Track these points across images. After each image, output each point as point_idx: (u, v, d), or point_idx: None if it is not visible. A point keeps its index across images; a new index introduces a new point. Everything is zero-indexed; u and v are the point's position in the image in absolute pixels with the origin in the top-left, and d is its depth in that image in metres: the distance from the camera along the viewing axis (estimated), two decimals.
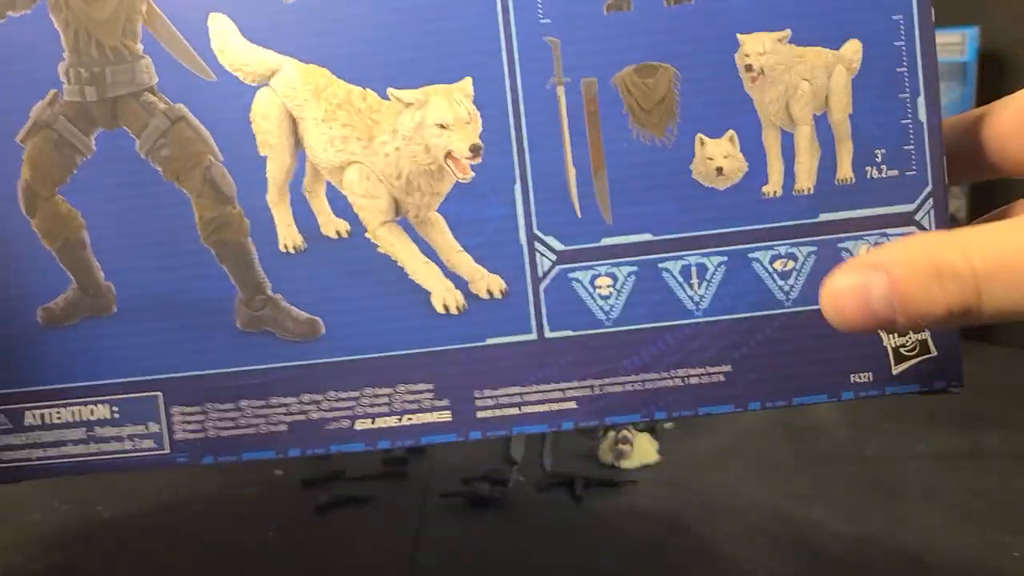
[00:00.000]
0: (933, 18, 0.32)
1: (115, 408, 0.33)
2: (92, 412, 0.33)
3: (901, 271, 0.26)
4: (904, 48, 0.32)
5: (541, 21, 0.32)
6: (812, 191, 0.32)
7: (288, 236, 0.33)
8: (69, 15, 0.32)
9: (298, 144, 0.33)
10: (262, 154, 0.32)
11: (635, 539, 0.47)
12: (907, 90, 0.32)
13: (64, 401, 0.34)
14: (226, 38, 0.32)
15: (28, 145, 0.33)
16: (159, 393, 0.33)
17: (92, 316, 0.33)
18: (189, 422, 0.33)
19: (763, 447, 0.58)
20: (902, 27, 0.31)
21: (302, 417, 0.33)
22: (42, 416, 0.34)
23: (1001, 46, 0.71)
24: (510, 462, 0.57)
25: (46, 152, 0.33)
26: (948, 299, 0.26)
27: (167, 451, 0.33)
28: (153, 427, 0.33)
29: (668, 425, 0.61)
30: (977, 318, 0.26)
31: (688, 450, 0.58)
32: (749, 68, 0.32)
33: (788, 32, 0.32)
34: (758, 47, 0.32)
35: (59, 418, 0.33)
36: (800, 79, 0.32)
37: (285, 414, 0.33)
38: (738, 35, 0.32)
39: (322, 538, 0.48)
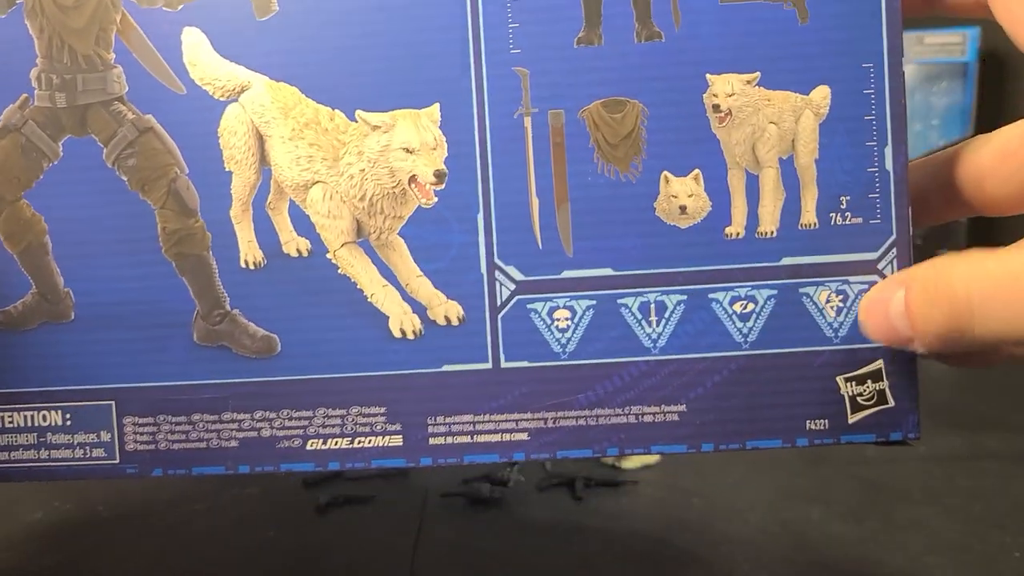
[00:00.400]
0: (903, 68, 0.32)
1: (67, 415, 0.33)
2: (44, 418, 0.33)
3: (914, 288, 0.28)
4: (873, 96, 0.32)
5: (511, 51, 0.32)
6: (775, 234, 0.32)
7: (249, 252, 0.33)
8: (44, 21, 0.33)
9: (264, 161, 0.33)
10: (228, 169, 0.33)
11: (635, 539, 0.47)
12: (874, 138, 0.32)
13: (16, 405, 0.33)
14: (198, 52, 0.32)
15: None
16: (112, 402, 0.33)
17: (50, 322, 0.33)
18: (140, 433, 0.33)
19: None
20: (872, 75, 0.31)
21: (254, 434, 0.33)
22: None
23: (1001, 46, 0.71)
24: (510, 462, 0.57)
25: (13, 156, 0.33)
26: (945, 320, 0.27)
27: (117, 461, 0.33)
28: (105, 436, 0.33)
29: None
30: (971, 341, 0.27)
31: None
32: (717, 108, 0.32)
33: (757, 75, 0.32)
34: (727, 88, 0.32)
35: (10, 422, 0.33)
36: (768, 122, 0.32)
37: (237, 430, 0.33)
38: (707, 75, 0.32)
39: (322, 538, 0.48)
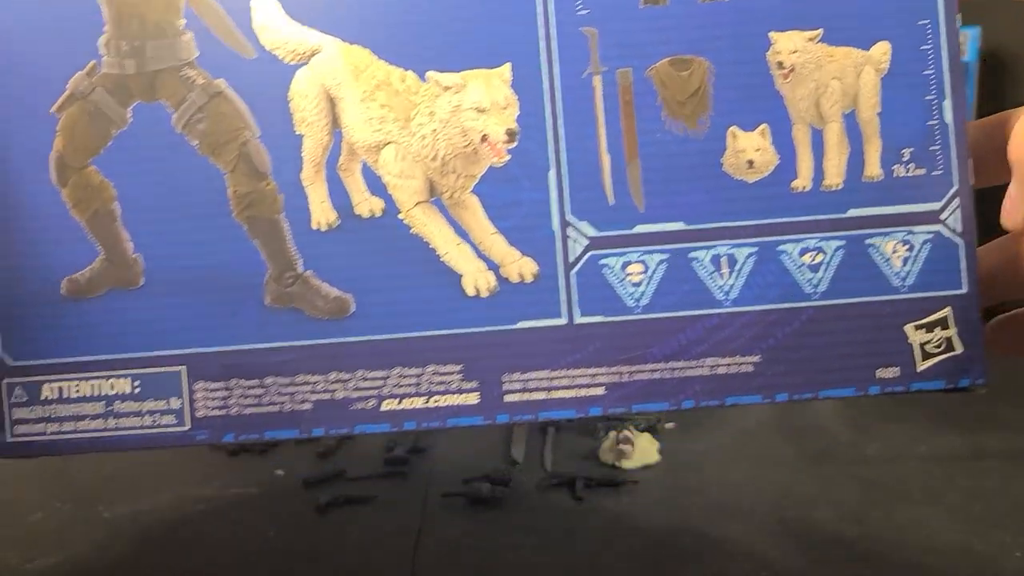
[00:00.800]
0: (959, 24, 0.33)
1: (136, 382, 0.33)
2: (112, 386, 0.33)
3: None
4: (931, 52, 0.32)
5: (579, 12, 0.32)
6: (841, 187, 0.33)
7: (322, 213, 0.33)
8: None
9: (335, 123, 0.33)
10: (299, 132, 0.33)
11: (635, 539, 0.46)
12: (933, 92, 0.32)
13: (84, 374, 0.33)
14: (268, 16, 0.32)
15: (63, 115, 0.33)
16: (182, 368, 0.33)
17: (118, 288, 0.33)
18: (212, 398, 0.33)
19: (763, 447, 0.58)
20: (929, 32, 0.32)
21: (328, 396, 0.33)
22: (60, 389, 0.33)
23: (1001, 46, 0.73)
24: (511, 462, 0.56)
25: (81, 123, 0.33)
26: None
27: (187, 427, 0.33)
28: (175, 403, 0.33)
29: (669, 425, 0.61)
30: None
31: (689, 450, 0.58)
32: (780, 65, 0.32)
33: (820, 32, 0.33)
34: (790, 45, 0.33)
35: (78, 391, 0.33)
36: (830, 78, 0.33)
37: (311, 392, 0.33)
38: (770, 33, 0.32)
39: (323, 538, 0.47)
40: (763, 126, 0.32)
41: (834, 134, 0.33)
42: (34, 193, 0.33)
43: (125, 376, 0.33)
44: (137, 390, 0.33)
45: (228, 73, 0.33)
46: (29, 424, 0.33)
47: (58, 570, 0.44)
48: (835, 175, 0.33)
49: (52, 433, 0.33)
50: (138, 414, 0.33)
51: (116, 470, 0.56)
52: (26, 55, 0.33)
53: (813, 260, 0.33)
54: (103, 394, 0.33)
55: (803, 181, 0.33)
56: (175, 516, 0.50)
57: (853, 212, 0.33)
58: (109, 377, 0.33)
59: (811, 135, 0.33)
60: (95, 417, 0.33)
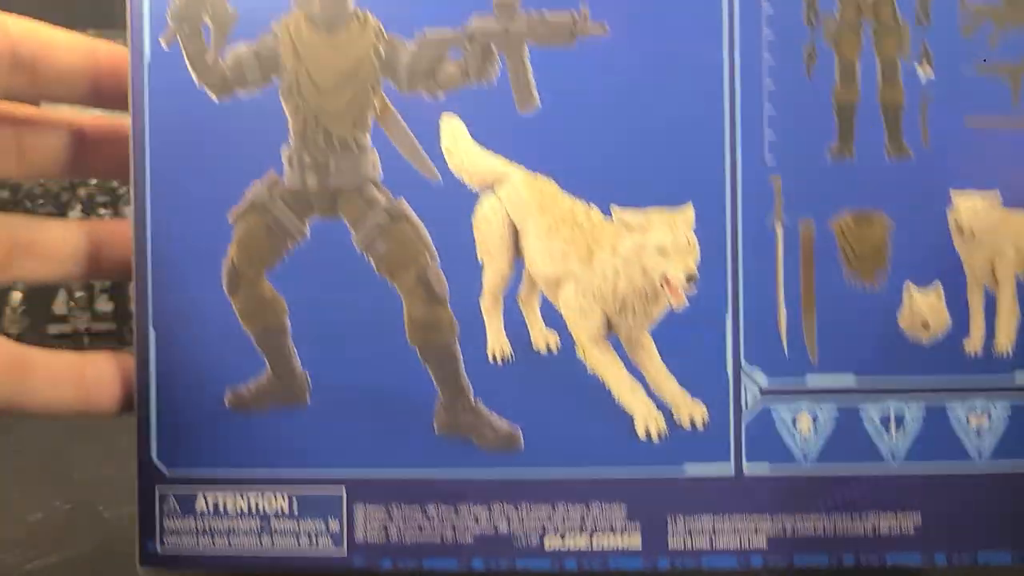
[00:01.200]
0: None
1: (294, 501, 0.32)
2: (270, 503, 0.32)
3: None
4: None
5: (766, 159, 0.33)
6: (1011, 353, 0.33)
7: (497, 344, 0.32)
8: (300, 101, 0.32)
9: (517, 253, 0.33)
10: (480, 260, 0.32)
11: None
12: None
13: (241, 488, 0.33)
14: (457, 140, 0.32)
15: (240, 224, 0.32)
16: (343, 489, 0.32)
17: (283, 404, 0.32)
18: (371, 522, 0.32)
19: None
20: None
21: (491, 529, 0.32)
22: (215, 502, 0.32)
23: None
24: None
25: (258, 234, 0.32)
26: None
27: (344, 552, 0.32)
28: (333, 525, 0.32)
29: None
30: None
31: None
32: (960, 226, 0.33)
33: (999, 195, 0.33)
34: (970, 207, 0.33)
35: (234, 507, 0.32)
36: (1007, 242, 0.33)
37: (474, 523, 0.32)
38: (952, 193, 0.33)
39: None
40: (938, 287, 0.33)
41: (1007, 298, 0.33)
42: (205, 300, 0.32)
43: (283, 494, 0.32)
44: (295, 509, 0.32)
45: (411, 195, 0.32)
46: (181, 536, 0.32)
47: (58, 570, 0.43)
48: (1006, 339, 0.33)
49: (204, 547, 0.32)
50: (294, 534, 0.32)
51: (116, 470, 0.55)
52: (209, 159, 0.32)
53: (979, 423, 0.33)
54: (259, 510, 0.32)
55: (975, 344, 0.33)
56: None
57: (1020, 378, 0.33)
58: (267, 493, 0.32)
59: (984, 298, 0.33)
60: (249, 534, 0.32)
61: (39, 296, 0.61)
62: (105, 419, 0.33)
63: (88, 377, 0.33)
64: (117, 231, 0.34)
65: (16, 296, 0.61)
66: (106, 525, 0.47)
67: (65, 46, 0.32)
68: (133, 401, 0.33)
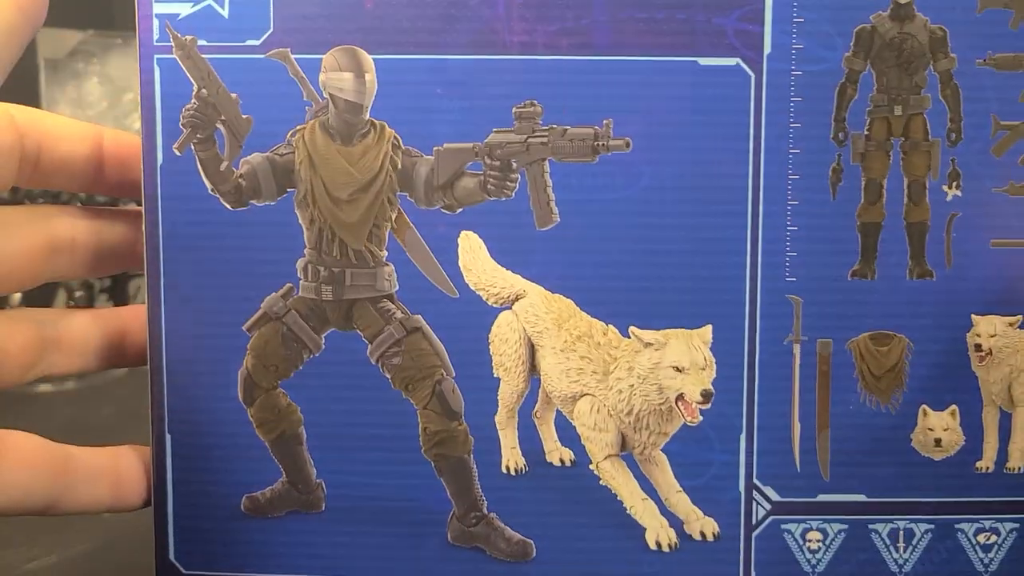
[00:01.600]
0: None
1: None
2: None
3: None
4: None
5: (787, 279, 0.32)
6: (1022, 470, 0.33)
7: (512, 458, 0.33)
8: (316, 213, 0.32)
9: (533, 369, 0.33)
10: (496, 375, 0.32)
11: None
12: None
13: None
14: (475, 257, 0.32)
15: (255, 335, 0.32)
16: None
17: (299, 511, 0.33)
18: None
19: None
20: None
21: None
22: None
23: None
24: None
25: (272, 344, 0.32)
26: None
27: None
28: None
29: None
30: None
31: None
32: (979, 348, 0.33)
33: (1020, 318, 0.33)
34: (990, 329, 0.33)
35: None
36: None
37: None
38: (972, 315, 0.32)
39: None
40: (953, 407, 0.33)
41: (1022, 418, 0.33)
42: (221, 408, 0.33)
43: None
44: None
45: (427, 309, 0.32)
46: None
47: (58, 570, 0.44)
48: (1019, 458, 0.33)
49: None
50: None
51: None
52: (224, 266, 0.32)
53: (987, 540, 0.33)
54: None
55: (987, 462, 0.33)
56: None
57: None
58: None
59: (999, 417, 0.33)
60: None
61: (38, 296, 0.61)
62: (132, 511, 0.34)
63: (121, 473, 0.33)
64: (140, 318, 0.34)
65: (15, 296, 0.61)
66: (106, 525, 0.48)
67: (69, 135, 0.32)
68: None
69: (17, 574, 0.43)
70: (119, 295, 0.71)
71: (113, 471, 0.33)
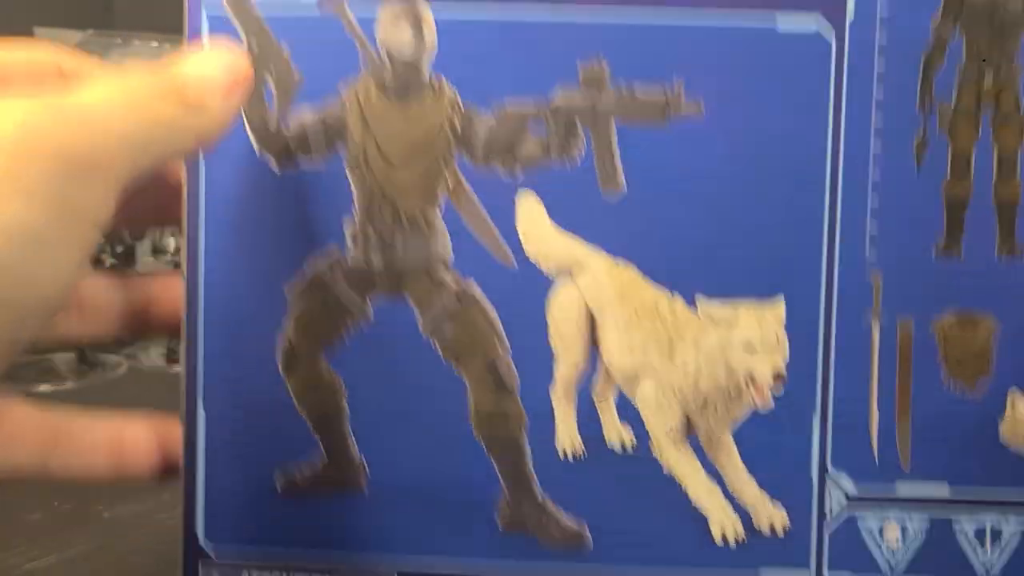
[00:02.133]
0: None
1: None
2: None
3: None
4: None
5: (867, 255, 0.30)
6: None
7: (568, 440, 0.31)
8: (367, 174, 0.30)
9: (593, 344, 0.31)
10: (553, 350, 0.31)
11: None
12: None
13: (289, 571, 0.31)
14: (534, 222, 0.30)
15: (298, 302, 0.30)
16: None
17: (338, 491, 0.31)
18: None
19: None
20: None
21: None
22: None
23: None
24: None
25: (317, 313, 0.31)
26: None
27: None
28: None
29: None
30: None
31: None
32: None
33: None
34: None
35: None
36: None
37: None
38: None
39: None
40: None
41: None
42: (259, 378, 0.31)
43: None
44: None
45: (484, 279, 0.30)
46: None
47: (58, 570, 0.43)
48: None
49: None
50: None
51: None
52: (269, 229, 0.30)
53: None
54: None
55: None
56: (175, 518, 0.49)
57: None
58: None
59: None
60: None
61: None
62: (141, 485, 0.32)
63: (126, 444, 0.31)
64: (169, 288, 0.32)
65: None
66: (106, 525, 0.47)
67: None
68: (171, 468, 0.31)
69: (17, 574, 0.42)
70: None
71: (115, 441, 0.31)
